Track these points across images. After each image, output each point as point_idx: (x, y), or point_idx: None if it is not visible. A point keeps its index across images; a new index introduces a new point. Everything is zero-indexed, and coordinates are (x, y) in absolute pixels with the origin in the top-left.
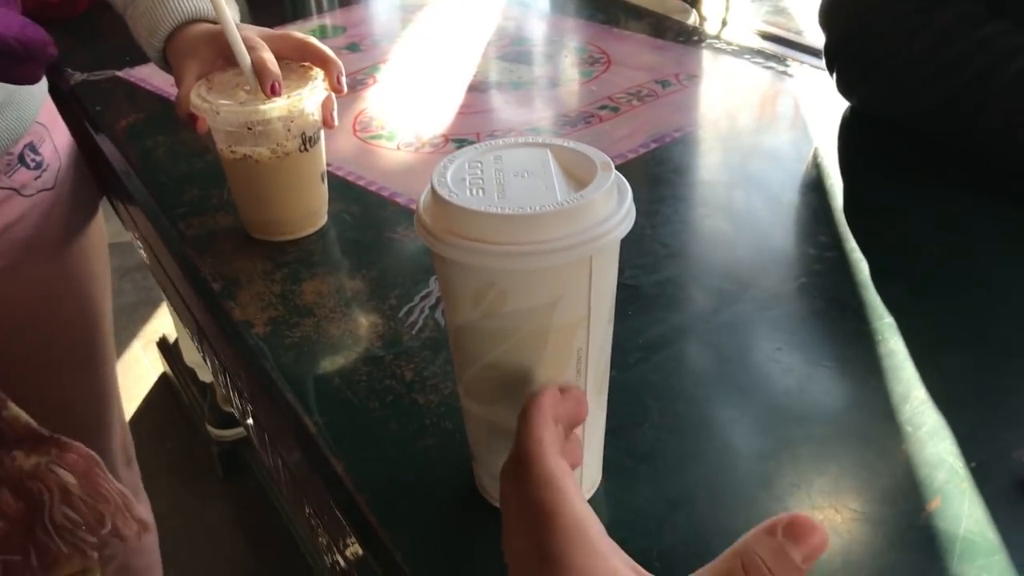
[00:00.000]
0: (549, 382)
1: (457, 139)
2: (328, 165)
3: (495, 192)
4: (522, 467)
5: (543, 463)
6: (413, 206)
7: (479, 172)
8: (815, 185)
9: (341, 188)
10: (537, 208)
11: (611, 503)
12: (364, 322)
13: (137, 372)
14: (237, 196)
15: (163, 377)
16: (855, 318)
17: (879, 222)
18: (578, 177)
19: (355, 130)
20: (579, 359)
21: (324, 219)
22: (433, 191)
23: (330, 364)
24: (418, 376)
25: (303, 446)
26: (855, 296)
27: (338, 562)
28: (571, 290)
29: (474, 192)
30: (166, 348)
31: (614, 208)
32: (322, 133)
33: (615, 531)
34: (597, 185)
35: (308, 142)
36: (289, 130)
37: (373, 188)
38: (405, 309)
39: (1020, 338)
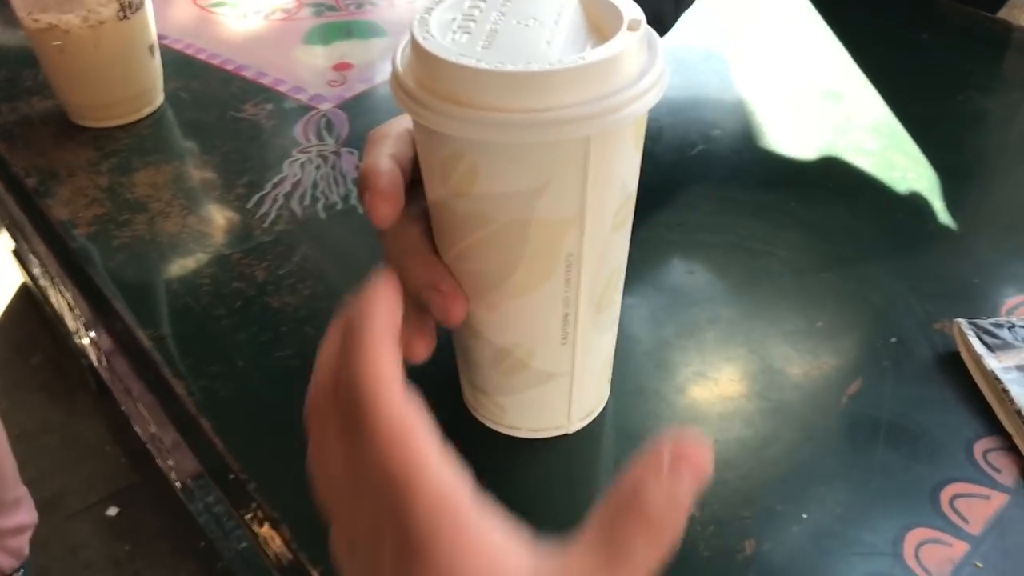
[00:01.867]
0: (529, 287)
1: (313, 3)
2: (162, 38)
3: (480, 40)
4: (354, 417)
5: (384, 410)
6: (263, 80)
7: (476, 13)
8: (718, 42)
9: (178, 63)
10: (519, 65)
11: None
12: (207, 216)
13: None
14: (50, 75)
15: (23, 288)
16: (758, 186)
17: (776, 73)
18: (604, 34)
19: None
20: (569, 267)
21: (158, 99)
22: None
23: (167, 267)
24: (271, 276)
25: (137, 364)
26: (757, 161)
27: (189, 487)
28: (559, 179)
29: (456, 37)
30: (22, 256)
31: (630, 79)
32: None
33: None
34: (611, 47)
35: (128, 8)
36: None
37: (216, 62)
38: (255, 199)
39: (935, 199)
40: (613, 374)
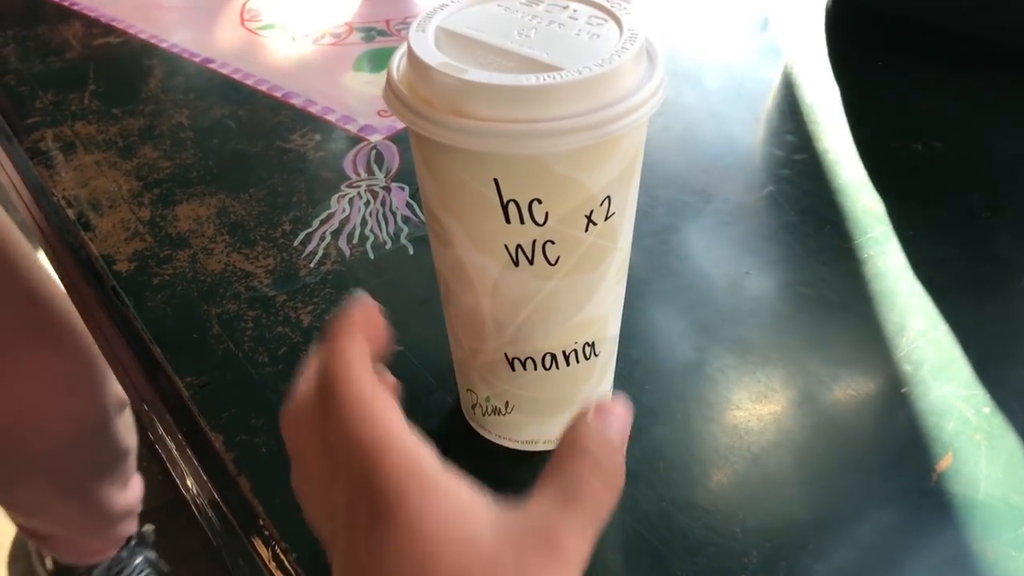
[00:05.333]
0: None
1: (363, 28)
2: (208, 61)
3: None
4: (327, 396)
5: (353, 388)
6: (312, 108)
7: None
8: (781, 76)
9: (225, 89)
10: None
11: None
12: (251, 254)
13: None
14: None
15: None
16: (834, 233)
17: (857, 117)
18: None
19: (242, 19)
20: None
21: None
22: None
23: (208, 308)
24: (318, 321)
25: (174, 413)
26: (832, 206)
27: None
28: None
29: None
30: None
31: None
32: None
33: None
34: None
35: None
36: None
37: (264, 88)
38: (302, 237)
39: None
40: (685, 445)
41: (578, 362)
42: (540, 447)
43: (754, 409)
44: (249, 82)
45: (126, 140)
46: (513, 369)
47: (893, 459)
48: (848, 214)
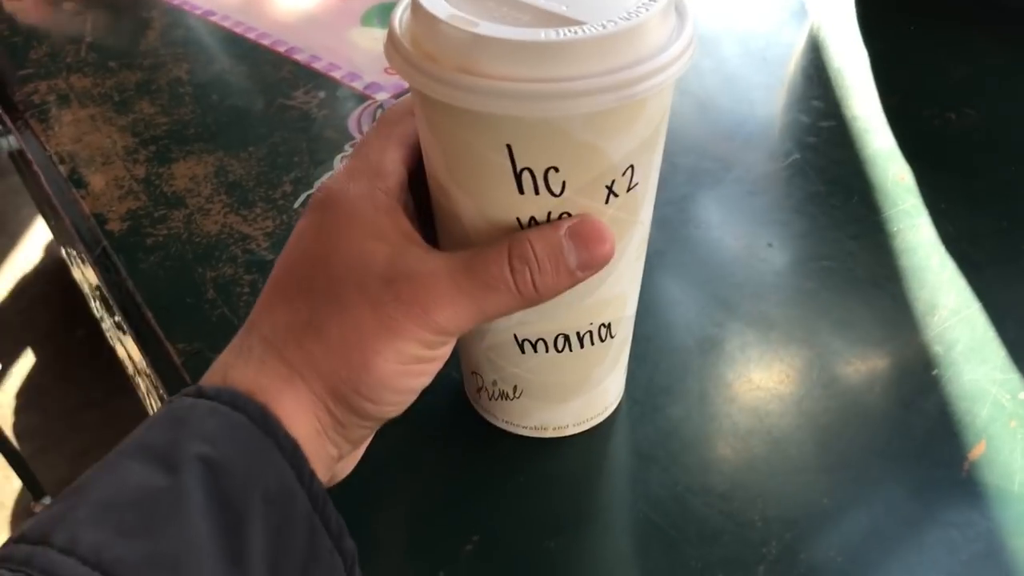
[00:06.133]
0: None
1: None
2: (210, 14)
3: None
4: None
5: (367, 150)
6: (316, 64)
7: None
8: (807, 39)
9: (227, 43)
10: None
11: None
12: (249, 215)
13: (36, 256)
14: None
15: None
16: (862, 204)
17: (888, 82)
18: None
19: None
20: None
21: None
22: None
23: (203, 271)
24: None
25: (167, 383)
26: (861, 176)
27: None
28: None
29: None
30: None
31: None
32: None
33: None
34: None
35: None
36: None
37: (266, 42)
38: (303, 198)
39: None
40: (700, 430)
41: (592, 344)
42: (550, 434)
43: (775, 390)
44: (251, 36)
45: (122, 94)
46: (523, 351)
47: (922, 446)
48: (877, 185)
